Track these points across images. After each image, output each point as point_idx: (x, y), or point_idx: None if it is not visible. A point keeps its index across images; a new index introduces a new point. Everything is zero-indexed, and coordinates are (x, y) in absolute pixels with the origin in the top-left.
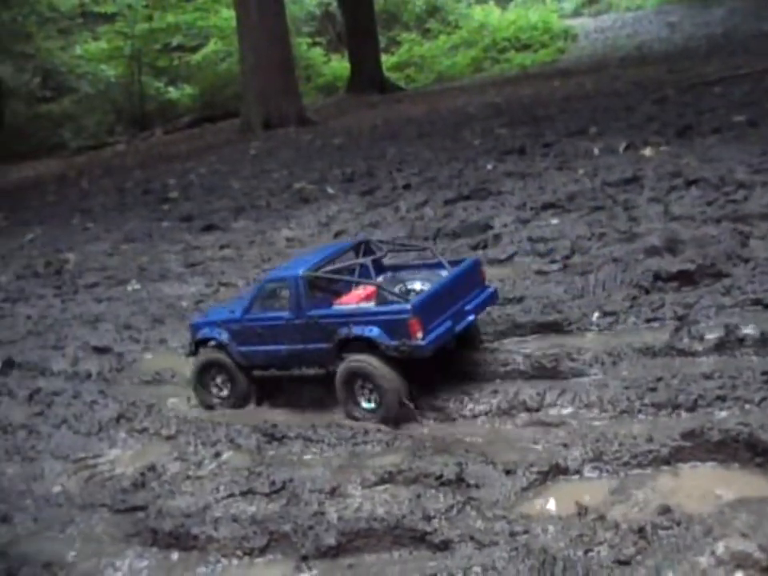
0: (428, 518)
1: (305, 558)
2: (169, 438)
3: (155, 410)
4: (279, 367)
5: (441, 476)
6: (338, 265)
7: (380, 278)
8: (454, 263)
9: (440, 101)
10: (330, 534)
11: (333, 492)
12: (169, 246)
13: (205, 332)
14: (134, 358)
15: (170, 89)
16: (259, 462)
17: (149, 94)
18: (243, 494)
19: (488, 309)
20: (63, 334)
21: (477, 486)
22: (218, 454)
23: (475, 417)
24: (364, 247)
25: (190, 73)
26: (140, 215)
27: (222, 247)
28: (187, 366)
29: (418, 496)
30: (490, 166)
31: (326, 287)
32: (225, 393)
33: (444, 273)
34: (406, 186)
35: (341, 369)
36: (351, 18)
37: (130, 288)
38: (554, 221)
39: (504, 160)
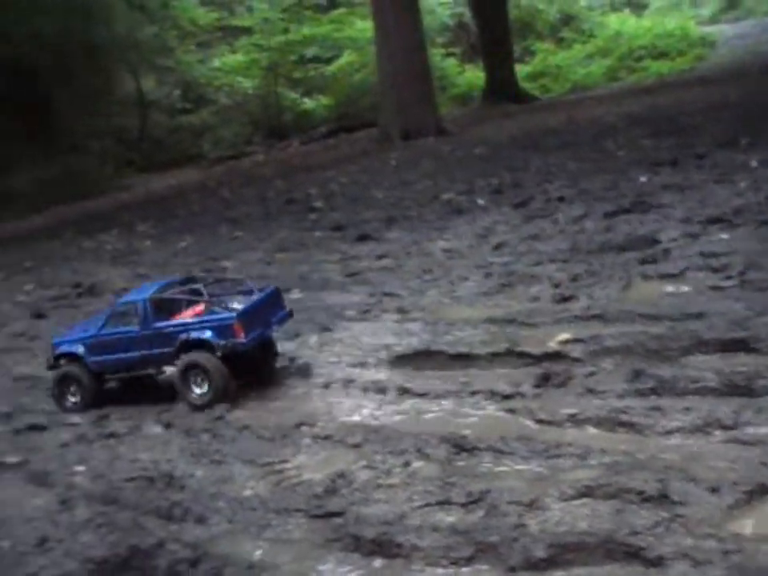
0: (635, 534)
1: (512, 570)
2: (354, 446)
3: (335, 417)
4: (126, 370)
5: (642, 492)
6: (174, 290)
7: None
8: (260, 290)
9: (577, 110)
10: (539, 546)
11: (531, 505)
12: (325, 256)
13: (63, 348)
14: (306, 364)
15: (306, 100)
16: (450, 472)
17: (285, 105)
18: (439, 503)
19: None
20: None
21: (681, 503)
22: (406, 464)
23: (669, 433)
24: (191, 281)
25: (325, 84)
26: (287, 224)
27: (379, 257)
28: (366, 374)
29: (620, 511)
30: (643, 179)
31: (165, 308)
32: (76, 399)
33: (254, 296)
34: (561, 198)
35: (179, 364)
36: (485, 28)
37: (293, 296)
38: (723, 235)
39: (657, 172)
